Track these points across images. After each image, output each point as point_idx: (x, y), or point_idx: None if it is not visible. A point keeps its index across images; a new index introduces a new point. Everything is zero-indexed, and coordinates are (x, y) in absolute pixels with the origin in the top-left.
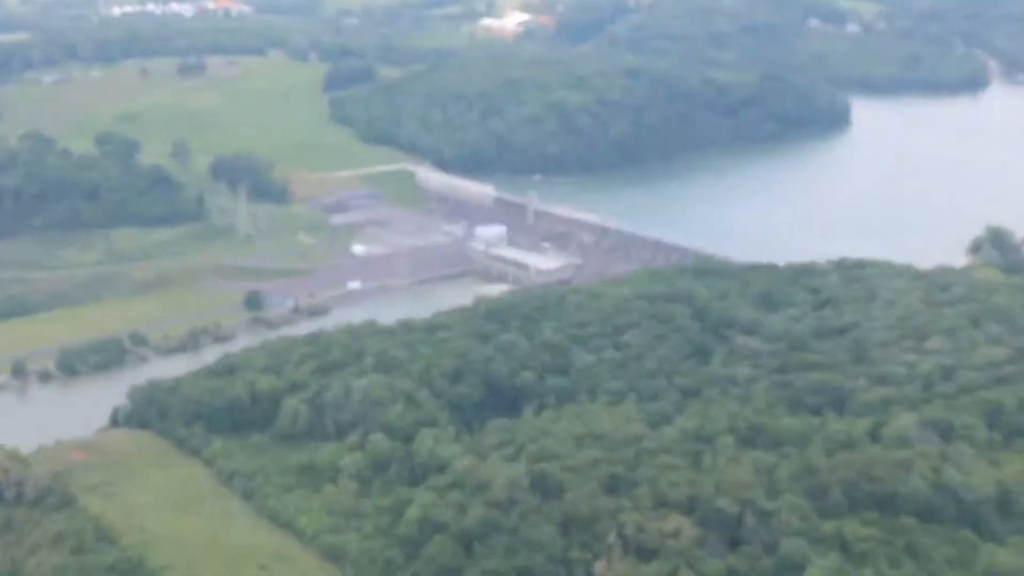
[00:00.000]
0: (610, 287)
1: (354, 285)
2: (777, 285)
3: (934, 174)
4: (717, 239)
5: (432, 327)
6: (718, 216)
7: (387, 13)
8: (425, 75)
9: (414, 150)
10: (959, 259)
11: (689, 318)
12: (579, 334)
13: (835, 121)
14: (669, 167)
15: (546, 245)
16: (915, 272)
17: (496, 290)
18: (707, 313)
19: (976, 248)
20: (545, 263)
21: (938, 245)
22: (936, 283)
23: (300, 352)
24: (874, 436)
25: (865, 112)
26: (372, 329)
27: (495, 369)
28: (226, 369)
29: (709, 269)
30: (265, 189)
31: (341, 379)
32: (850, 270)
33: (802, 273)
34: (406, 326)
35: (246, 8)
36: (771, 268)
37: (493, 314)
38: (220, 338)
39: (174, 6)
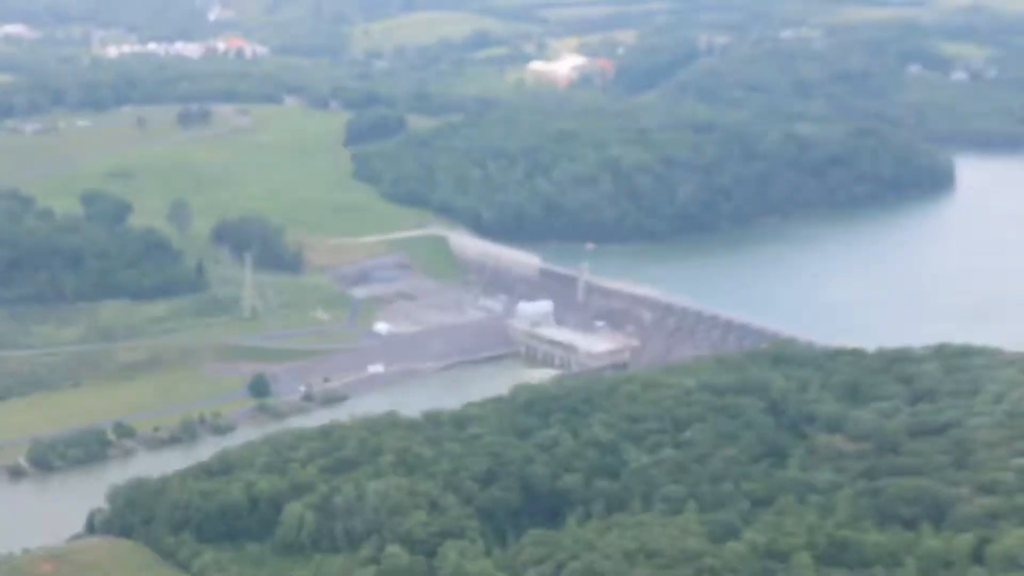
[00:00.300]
0: (670, 376)
1: (376, 369)
2: (866, 375)
3: None
4: (798, 319)
5: (462, 420)
6: (800, 292)
7: (421, 55)
8: (463, 127)
9: (448, 213)
10: None
11: (762, 412)
12: (633, 430)
13: (937, 183)
14: (744, 235)
15: (599, 324)
16: None
17: (540, 375)
18: (783, 407)
19: None
20: (597, 345)
21: None
22: None
23: (308, 448)
24: (977, 555)
25: (972, 173)
26: (392, 422)
27: (533, 471)
28: (222, 467)
29: (787, 355)
30: (276, 257)
31: (354, 480)
32: (951, 358)
33: (895, 361)
34: (432, 419)
35: (262, 49)
36: (859, 355)
37: (533, 405)
38: (219, 429)
39: (179, 46)
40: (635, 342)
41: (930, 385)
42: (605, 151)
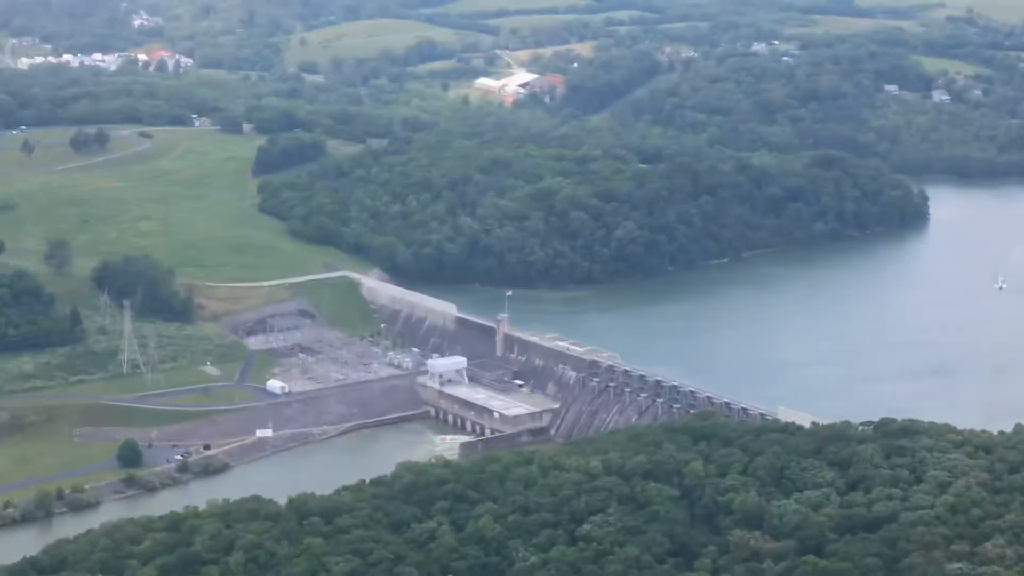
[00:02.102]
0: (573, 456)
1: (264, 433)
2: (794, 457)
3: None
4: (737, 381)
5: (330, 509)
6: (744, 347)
7: (359, 69)
8: (385, 154)
9: (362, 253)
10: None
11: (674, 502)
12: (524, 523)
13: (907, 219)
14: (688, 280)
15: (518, 383)
16: (980, 441)
17: (448, 442)
18: (699, 495)
19: None
20: (513, 408)
21: None
22: (1007, 459)
23: (153, 540)
24: None
25: (949, 207)
26: (252, 510)
27: (404, 572)
28: (53, 563)
29: (709, 431)
30: (163, 303)
31: None
32: (893, 437)
33: (829, 439)
34: (297, 507)
35: (186, 60)
36: (790, 432)
37: (414, 491)
38: (79, 506)
39: (96, 57)
40: (555, 404)
41: (866, 471)
42: (539, 183)
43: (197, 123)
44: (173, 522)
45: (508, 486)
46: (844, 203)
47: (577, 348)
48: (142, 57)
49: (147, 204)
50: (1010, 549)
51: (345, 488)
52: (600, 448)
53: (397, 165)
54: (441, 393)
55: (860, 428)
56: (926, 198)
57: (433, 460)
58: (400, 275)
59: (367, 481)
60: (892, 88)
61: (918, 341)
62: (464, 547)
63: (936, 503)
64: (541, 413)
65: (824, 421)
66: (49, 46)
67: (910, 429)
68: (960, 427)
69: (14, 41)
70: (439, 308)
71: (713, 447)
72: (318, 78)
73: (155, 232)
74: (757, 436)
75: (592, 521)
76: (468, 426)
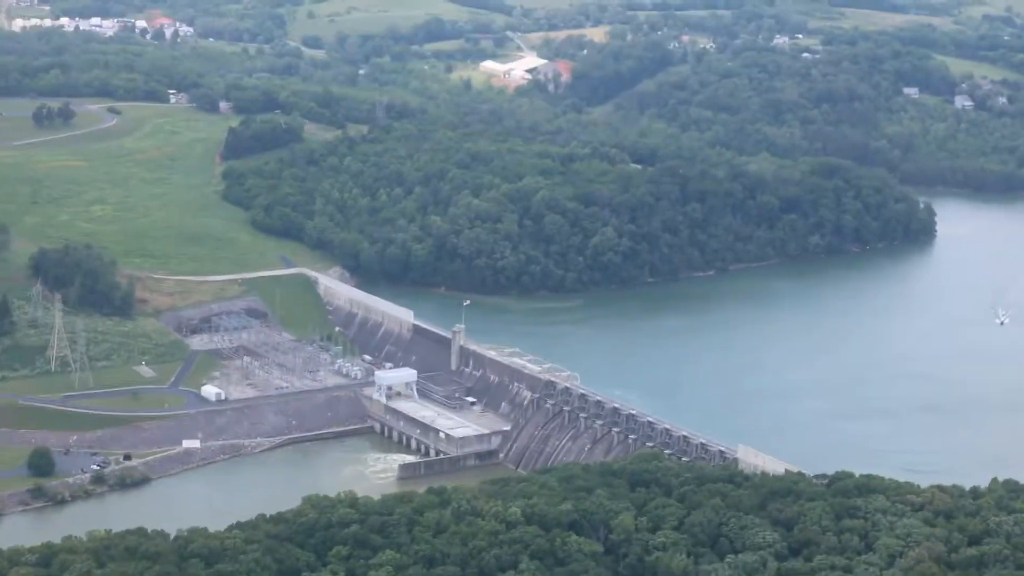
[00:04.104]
0: (492, 500)
1: (191, 444)
2: (736, 512)
3: None
4: (706, 410)
5: (216, 551)
6: (720, 371)
7: (363, 46)
8: (362, 143)
9: (324, 248)
10: None
11: (596, 560)
12: None
13: (913, 235)
14: (668, 294)
15: (470, 400)
16: (941, 504)
17: (388, 462)
18: (624, 552)
19: None
20: (461, 428)
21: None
22: (967, 529)
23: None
24: None
25: (958, 224)
26: (130, 546)
27: None
28: None
29: (648, 476)
30: (102, 296)
31: None
32: (846, 496)
33: (777, 494)
34: (180, 548)
35: (186, 29)
36: (736, 481)
37: (313, 532)
38: None
39: (95, 22)
40: (507, 426)
41: (811, 534)
42: (517, 182)
43: (173, 99)
44: (44, 556)
45: (416, 532)
46: (843, 216)
47: (534, 366)
48: (141, 24)
49: (105, 186)
50: None
51: (238, 525)
52: (526, 490)
53: (372, 155)
54: (387, 408)
55: (813, 481)
56: (933, 213)
57: (343, 494)
58: (363, 274)
59: (266, 516)
60: (912, 91)
61: (908, 373)
62: None
63: None
64: (490, 435)
65: (780, 467)
66: (48, 7)
67: (866, 487)
68: (931, 477)
69: (13, 1)
70: (396, 314)
71: (651, 495)
72: (320, 54)
73: (108, 217)
74: (699, 485)
75: None
76: (413, 445)
